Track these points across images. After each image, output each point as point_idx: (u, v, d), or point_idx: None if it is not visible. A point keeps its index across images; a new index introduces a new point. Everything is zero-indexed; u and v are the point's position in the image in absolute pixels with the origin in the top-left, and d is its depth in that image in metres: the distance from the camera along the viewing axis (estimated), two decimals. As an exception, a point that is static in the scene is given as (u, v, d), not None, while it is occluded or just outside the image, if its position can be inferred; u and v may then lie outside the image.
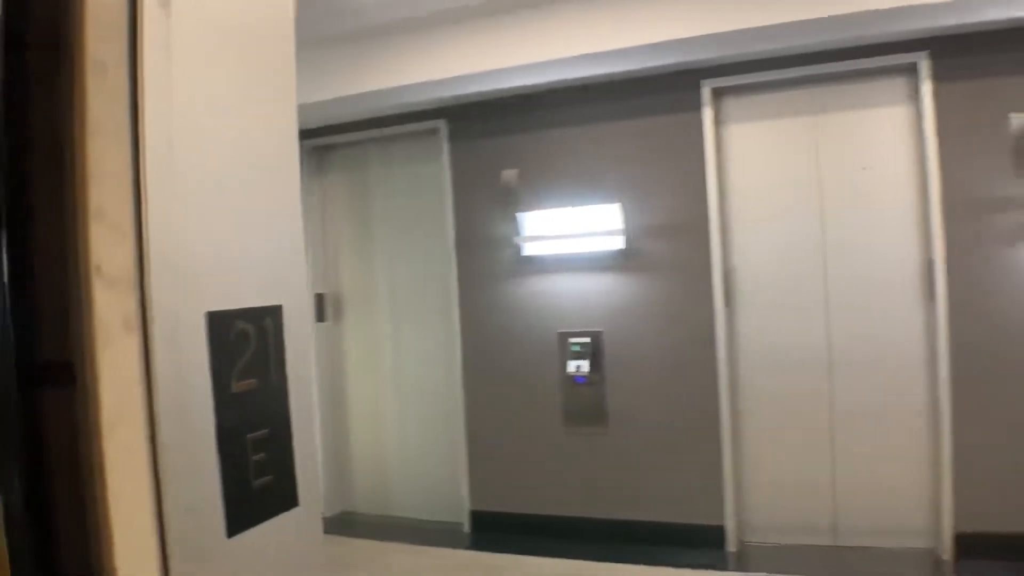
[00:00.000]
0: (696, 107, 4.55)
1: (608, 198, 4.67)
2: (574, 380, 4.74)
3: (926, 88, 4.16)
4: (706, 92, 4.53)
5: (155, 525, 0.90)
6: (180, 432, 0.93)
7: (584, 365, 4.70)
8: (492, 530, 5.00)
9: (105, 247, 0.90)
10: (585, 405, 4.77)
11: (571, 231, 4.72)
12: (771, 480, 4.52)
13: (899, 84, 4.30)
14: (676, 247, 4.62)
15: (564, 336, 4.80)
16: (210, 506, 0.97)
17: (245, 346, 1.05)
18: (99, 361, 0.89)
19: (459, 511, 5.14)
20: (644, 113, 4.67)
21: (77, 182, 0.90)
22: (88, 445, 0.89)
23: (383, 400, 5.45)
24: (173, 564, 0.91)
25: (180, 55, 0.99)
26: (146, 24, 0.94)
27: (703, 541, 4.51)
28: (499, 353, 4.99)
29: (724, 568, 4.33)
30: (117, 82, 0.92)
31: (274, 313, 1.11)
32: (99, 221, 0.90)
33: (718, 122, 4.58)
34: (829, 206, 4.40)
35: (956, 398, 4.10)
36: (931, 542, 4.23)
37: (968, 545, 4.08)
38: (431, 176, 5.23)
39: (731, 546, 4.50)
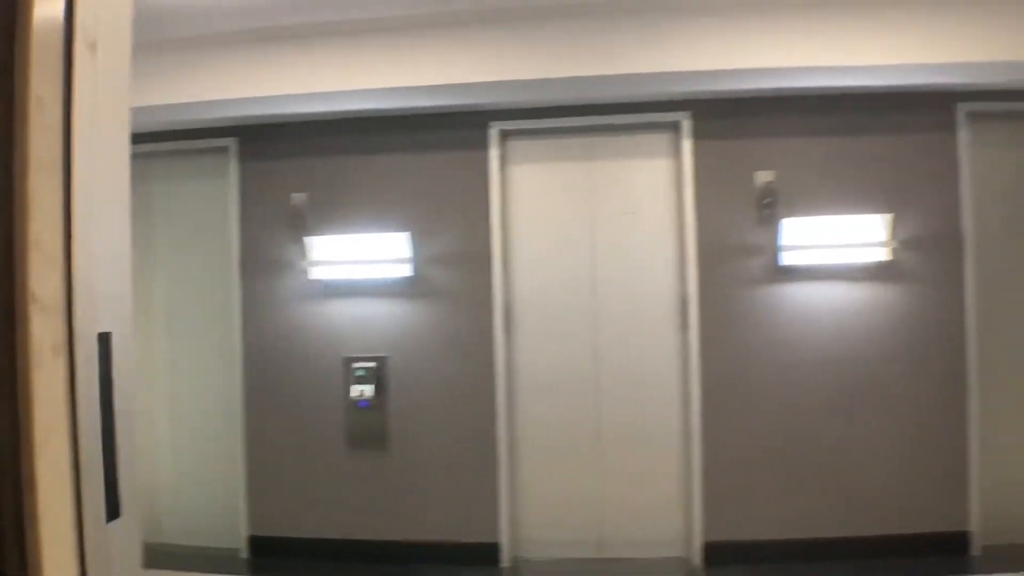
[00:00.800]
0: (484, 146, 4.78)
1: (397, 227, 4.77)
2: (357, 404, 4.76)
3: (686, 144, 4.67)
4: (494, 133, 4.78)
5: (77, 536, 0.97)
6: (95, 446, 1.02)
7: (368, 389, 4.72)
8: (271, 555, 4.88)
9: (41, 275, 0.95)
10: (368, 428, 4.80)
11: (360, 257, 4.75)
12: (544, 498, 4.76)
13: (664, 139, 4.77)
14: (461, 277, 4.79)
15: (349, 361, 4.81)
16: None
17: None
18: (32, 382, 0.93)
19: (236, 536, 4.96)
20: (435, 148, 4.82)
21: (16, 213, 0.93)
22: (15, 461, 0.92)
23: (155, 423, 5.15)
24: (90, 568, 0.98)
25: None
26: (77, 63, 0.99)
27: (479, 559, 4.67)
28: (283, 377, 4.91)
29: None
30: (53, 117, 0.97)
31: (104, 340, 1.13)
32: (37, 251, 0.94)
33: (504, 162, 4.84)
34: (600, 245, 4.78)
35: (705, 418, 4.59)
36: (684, 551, 4.66)
37: (715, 552, 4.56)
38: (217, 195, 5.06)
39: (505, 562, 4.69)
